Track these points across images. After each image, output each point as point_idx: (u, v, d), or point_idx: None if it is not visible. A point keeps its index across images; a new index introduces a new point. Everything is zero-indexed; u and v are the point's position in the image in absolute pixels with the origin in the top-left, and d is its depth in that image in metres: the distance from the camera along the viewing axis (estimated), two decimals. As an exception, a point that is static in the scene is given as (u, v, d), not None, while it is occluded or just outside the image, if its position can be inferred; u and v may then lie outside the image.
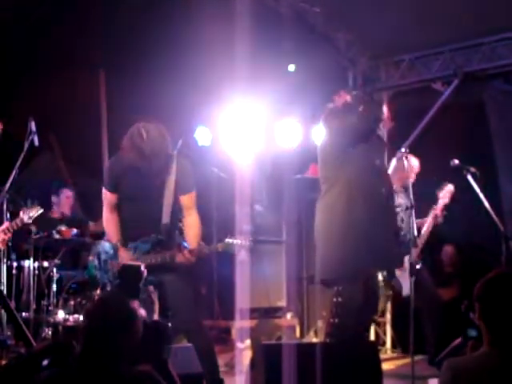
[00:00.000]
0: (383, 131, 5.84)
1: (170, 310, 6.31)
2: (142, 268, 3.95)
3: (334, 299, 5.38)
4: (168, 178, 5.37)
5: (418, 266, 6.37)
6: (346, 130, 5.37)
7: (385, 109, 5.55)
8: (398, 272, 6.91)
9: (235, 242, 5.37)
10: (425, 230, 7.29)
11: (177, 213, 5.52)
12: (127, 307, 3.13)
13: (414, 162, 7.23)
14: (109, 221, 5.55)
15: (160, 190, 5.39)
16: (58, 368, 3.10)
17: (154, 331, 3.55)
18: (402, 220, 7.01)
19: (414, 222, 6.15)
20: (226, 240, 5.35)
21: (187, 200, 5.51)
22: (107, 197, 5.56)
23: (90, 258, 6.66)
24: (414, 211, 6.14)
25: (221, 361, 6.07)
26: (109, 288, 5.37)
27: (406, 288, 6.94)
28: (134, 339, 3.10)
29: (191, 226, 5.50)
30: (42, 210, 6.93)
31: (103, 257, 5.45)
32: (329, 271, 5.41)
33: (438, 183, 7.48)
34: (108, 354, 3.01)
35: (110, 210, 5.55)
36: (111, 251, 5.42)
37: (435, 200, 7.39)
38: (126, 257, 5.34)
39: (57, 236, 7.93)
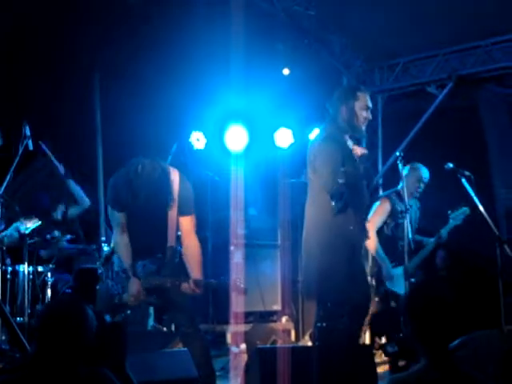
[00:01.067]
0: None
1: (166, 314, 6.28)
2: (99, 271, 3.86)
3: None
4: (171, 199, 5.35)
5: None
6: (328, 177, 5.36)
7: (369, 100, 5.56)
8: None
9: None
10: (424, 251, 7.24)
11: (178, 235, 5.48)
12: (76, 308, 3.18)
13: (423, 173, 7.19)
14: (120, 244, 5.38)
15: (163, 212, 5.34)
16: (12, 372, 3.15)
17: (111, 333, 3.56)
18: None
19: (409, 226, 6.13)
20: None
21: (187, 222, 5.43)
22: (116, 217, 5.42)
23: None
24: (408, 215, 6.14)
25: (216, 365, 6.06)
26: (116, 301, 5.32)
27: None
28: (85, 339, 3.14)
29: (193, 254, 5.39)
30: (39, 223, 6.90)
31: (116, 268, 5.40)
32: (319, 287, 5.37)
33: (453, 202, 7.41)
34: (61, 355, 3.07)
35: (120, 230, 5.39)
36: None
37: (446, 218, 7.32)
38: (133, 287, 5.25)
39: (51, 241, 7.90)
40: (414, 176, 7.14)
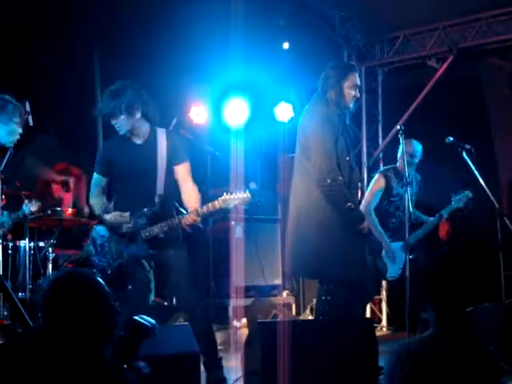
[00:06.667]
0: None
1: (167, 288, 6.26)
2: (155, 324, 3.54)
3: None
4: (158, 150, 5.35)
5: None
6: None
7: (358, 79, 5.54)
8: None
9: (233, 196, 5.16)
10: (424, 229, 7.21)
11: (172, 187, 5.43)
12: (92, 279, 2.90)
13: (413, 146, 7.13)
14: (95, 196, 5.50)
15: (152, 164, 5.32)
16: (24, 353, 2.88)
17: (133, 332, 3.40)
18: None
19: (409, 199, 6.11)
20: (224, 196, 5.15)
21: (182, 170, 5.40)
22: (98, 180, 5.51)
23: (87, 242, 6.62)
24: (408, 188, 6.12)
25: (217, 339, 6.08)
26: (109, 272, 5.33)
27: (392, 271, 6.92)
28: (104, 319, 2.87)
29: (190, 195, 5.37)
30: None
31: (99, 241, 5.39)
32: (320, 265, 5.36)
33: (454, 175, 7.37)
34: (71, 337, 2.78)
35: (98, 190, 5.51)
36: (106, 234, 5.37)
37: (446, 192, 7.30)
38: (113, 218, 5.32)
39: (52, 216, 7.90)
40: (406, 150, 7.07)
